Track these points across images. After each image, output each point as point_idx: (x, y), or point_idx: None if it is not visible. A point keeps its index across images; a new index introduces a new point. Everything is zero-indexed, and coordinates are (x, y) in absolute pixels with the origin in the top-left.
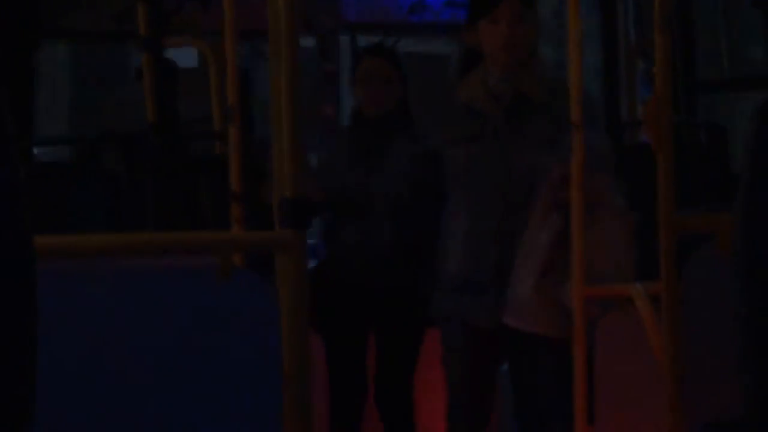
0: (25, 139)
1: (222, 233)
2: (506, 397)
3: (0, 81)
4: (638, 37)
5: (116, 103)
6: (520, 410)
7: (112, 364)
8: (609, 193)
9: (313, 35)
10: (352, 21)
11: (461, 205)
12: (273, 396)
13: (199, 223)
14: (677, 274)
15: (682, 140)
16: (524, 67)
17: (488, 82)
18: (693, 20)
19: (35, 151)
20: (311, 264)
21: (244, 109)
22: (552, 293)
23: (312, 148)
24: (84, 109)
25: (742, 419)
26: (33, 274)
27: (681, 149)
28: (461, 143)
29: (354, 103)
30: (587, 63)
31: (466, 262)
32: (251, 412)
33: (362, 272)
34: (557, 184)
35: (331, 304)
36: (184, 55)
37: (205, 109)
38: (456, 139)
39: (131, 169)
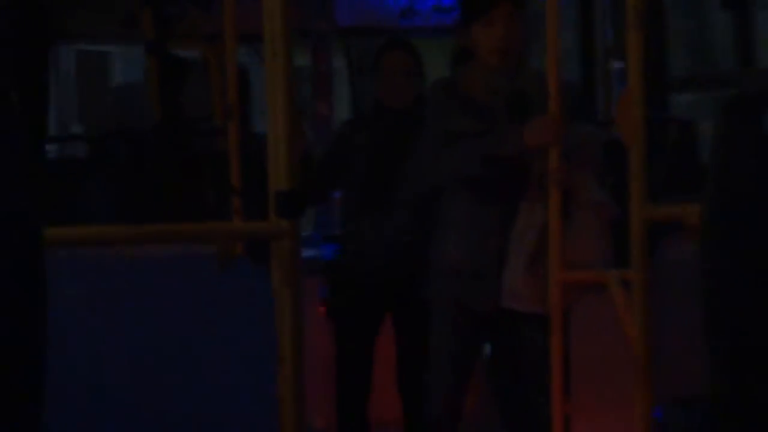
0: (41, 136)
1: (222, 224)
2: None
3: (18, 83)
4: (615, 36)
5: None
6: (504, 388)
7: (121, 344)
8: (587, 184)
9: (307, 38)
10: (345, 26)
11: (464, 195)
12: (269, 373)
13: (203, 214)
14: (648, 260)
15: (653, 135)
16: (518, 65)
17: (486, 80)
18: (665, 19)
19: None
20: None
21: (243, 107)
22: (542, 276)
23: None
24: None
25: (704, 394)
26: (43, 261)
27: (652, 144)
28: (468, 136)
29: (375, 95)
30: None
31: (469, 250)
32: (249, 388)
33: (383, 261)
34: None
35: (348, 294)
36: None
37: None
38: (462, 133)
39: (139, 164)
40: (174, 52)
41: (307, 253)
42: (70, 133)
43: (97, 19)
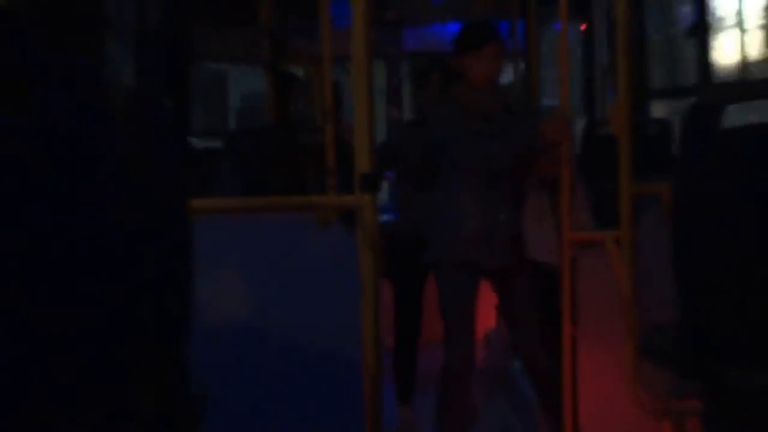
0: (187, 132)
1: (320, 197)
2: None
3: (171, 92)
4: (609, 60)
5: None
6: (513, 322)
7: (246, 289)
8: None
9: (379, 59)
10: (410, 49)
11: (471, 180)
12: (354, 306)
13: (306, 191)
14: (634, 224)
15: (637, 132)
16: (496, 87)
17: (473, 98)
18: (646, 42)
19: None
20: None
21: (337, 111)
22: (550, 235)
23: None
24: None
25: (677, 323)
26: (190, 226)
27: (637, 138)
28: (468, 138)
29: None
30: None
31: (483, 222)
32: (338, 318)
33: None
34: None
35: (400, 256)
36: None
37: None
38: (463, 134)
39: (260, 153)
40: (285, 69)
41: (382, 218)
42: (210, 129)
43: (225, 43)
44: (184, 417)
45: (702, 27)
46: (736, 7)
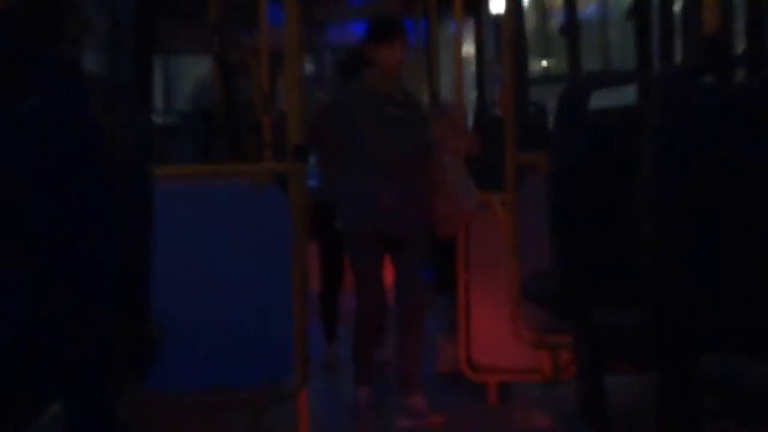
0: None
1: (258, 165)
2: None
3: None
4: (497, 54)
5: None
6: (401, 277)
7: (196, 242)
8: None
9: (308, 52)
10: (333, 43)
11: (373, 159)
12: (286, 257)
13: (249, 159)
14: (516, 188)
15: (519, 112)
16: (399, 75)
17: (383, 83)
18: (524, 38)
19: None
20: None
21: (272, 95)
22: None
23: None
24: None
25: (552, 272)
26: (153, 188)
27: (519, 118)
28: (373, 120)
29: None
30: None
31: (390, 197)
32: (271, 267)
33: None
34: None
35: (323, 217)
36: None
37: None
38: (368, 116)
39: (210, 129)
40: (230, 60)
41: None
42: (170, 108)
43: (181, 38)
44: (148, 342)
45: (572, 26)
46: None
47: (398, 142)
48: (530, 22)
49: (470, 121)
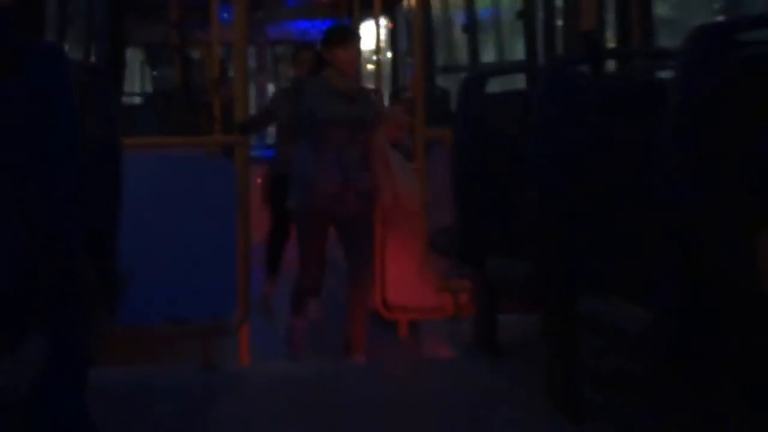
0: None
1: (210, 137)
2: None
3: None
4: (409, 47)
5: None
6: (348, 255)
7: (156, 201)
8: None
9: (252, 46)
10: (273, 39)
11: (327, 142)
12: (231, 213)
13: (201, 132)
14: (425, 158)
15: (427, 95)
16: (355, 75)
17: (339, 81)
18: (433, 35)
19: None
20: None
21: (223, 80)
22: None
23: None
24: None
25: (454, 227)
26: (121, 156)
27: (427, 99)
28: (330, 108)
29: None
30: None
31: (335, 178)
32: (221, 221)
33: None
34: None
35: (275, 184)
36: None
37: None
38: (319, 96)
39: (170, 108)
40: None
41: (253, 153)
42: (133, 92)
43: (147, 33)
44: (117, 282)
45: (472, 25)
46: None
47: (343, 114)
48: (437, 20)
49: (387, 102)
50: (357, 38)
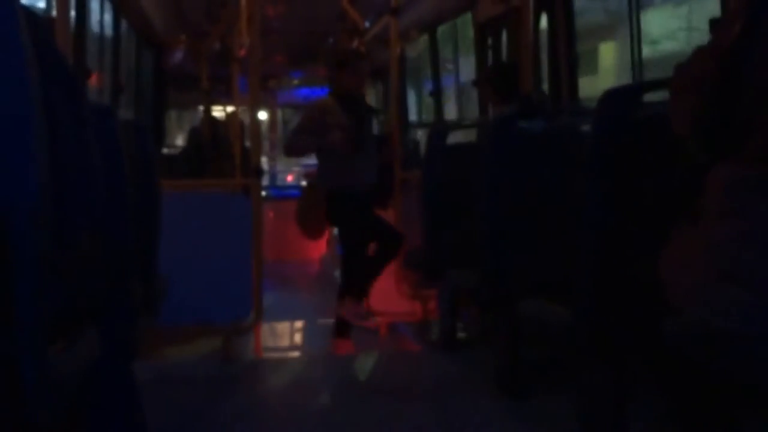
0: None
1: (230, 179)
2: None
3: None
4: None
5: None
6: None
7: (187, 229)
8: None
9: (264, 108)
10: (281, 103)
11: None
12: (248, 238)
13: (224, 175)
14: (401, 196)
15: (403, 145)
16: (362, 94)
17: (349, 100)
18: (405, 78)
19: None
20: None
21: (242, 138)
22: None
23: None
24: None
25: (423, 247)
26: (159, 194)
27: (403, 149)
28: (346, 123)
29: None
30: None
31: (367, 174)
32: (241, 243)
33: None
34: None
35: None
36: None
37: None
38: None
39: (200, 157)
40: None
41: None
42: (172, 144)
43: (183, 99)
44: (157, 290)
45: (437, 90)
46: (455, 80)
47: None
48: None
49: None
50: (361, 60)
